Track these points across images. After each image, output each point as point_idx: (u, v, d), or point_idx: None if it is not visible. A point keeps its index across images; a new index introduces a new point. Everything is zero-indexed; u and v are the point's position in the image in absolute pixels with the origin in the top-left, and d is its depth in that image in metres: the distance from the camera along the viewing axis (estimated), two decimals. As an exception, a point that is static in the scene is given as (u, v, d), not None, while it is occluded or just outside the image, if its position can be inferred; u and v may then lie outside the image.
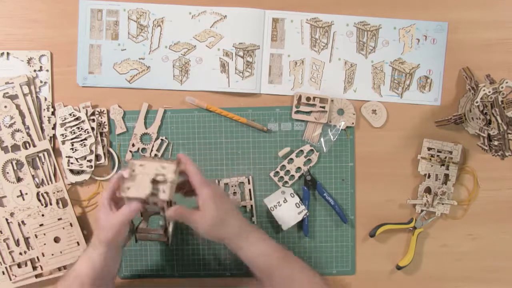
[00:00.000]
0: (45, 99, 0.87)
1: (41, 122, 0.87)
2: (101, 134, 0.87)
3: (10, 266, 0.86)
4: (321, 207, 0.89)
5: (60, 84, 0.88)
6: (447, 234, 0.90)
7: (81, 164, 0.85)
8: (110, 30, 0.87)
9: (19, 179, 0.86)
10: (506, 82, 0.77)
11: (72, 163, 0.85)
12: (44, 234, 0.86)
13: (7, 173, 0.86)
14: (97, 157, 0.86)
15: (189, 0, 0.87)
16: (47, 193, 0.86)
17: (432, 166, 0.87)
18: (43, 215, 0.86)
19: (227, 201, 0.75)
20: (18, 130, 0.85)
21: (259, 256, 0.74)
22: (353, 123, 0.88)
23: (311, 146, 0.88)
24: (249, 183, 0.87)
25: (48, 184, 0.86)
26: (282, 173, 0.88)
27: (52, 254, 0.86)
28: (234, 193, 0.87)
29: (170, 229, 0.79)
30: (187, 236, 0.89)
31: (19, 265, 0.86)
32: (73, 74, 0.87)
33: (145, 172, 0.68)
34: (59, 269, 0.87)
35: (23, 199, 0.86)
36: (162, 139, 0.87)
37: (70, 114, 0.85)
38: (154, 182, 0.67)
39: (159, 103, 0.88)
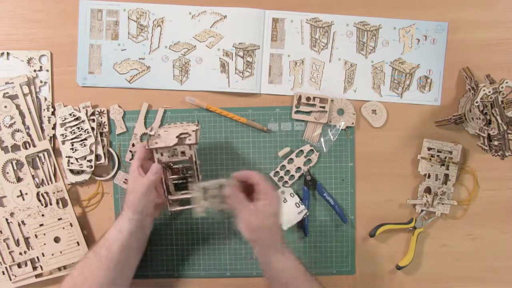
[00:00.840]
0: (45, 99, 0.87)
1: (41, 122, 0.87)
2: (101, 134, 0.87)
3: (10, 266, 0.86)
4: (321, 207, 0.89)
5: (60, 84, 0.88)
6: (447, 234, 0.90)
7: (81, 164, 0.85)
8: (110, 30, 0.87)
9: (19, 179, 0.86)
10: (506, 82, 0.77)
11: (72, 163, 0.85)
12: (44, 234, 0.86)
13: (7, 173, 0.86)
14: (97, 157, 0.86)
15: (189, 0, 0.87)
16: (47, 193, 0.86)
17: (432, 166, 0.87)
18: (43, 215, 0.86)
19: (279, 209, 0.78)
20: (18, 130, 0.85)
21: (288, 272, 0.75)
22: (353, 123, 0.88)
23: (311, 146, 0.88)
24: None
25: (48, 184, 0.86)
26: (282, 173, 0.88)
27: (52, 254, 0.86)
28: (214, 196, 0.77)
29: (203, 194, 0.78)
30: (187, 236, 0.89)
31: (19, 265, 0.86)
32: (73, 74, 0.87)
33: (170, 133, 0.76)
34: (59, 269, 0.87)
35: (23, 199, 0.86)
36: (162, 139, 0.87)
37: (70, 114, 0.85)
38: (179, 138, 0.74)
39: (159, 103, 0.88)
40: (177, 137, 0.74)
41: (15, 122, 0.85)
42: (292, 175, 0.88)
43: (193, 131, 0.75)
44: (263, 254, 0.76)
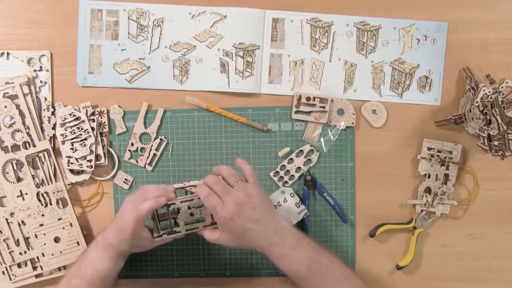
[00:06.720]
0: (45, 99, 0.87)
1: (41, 122, 0.87)
2: (101, 134, 0.87)
3: (10, 266, 0.86)
4: (321, 207, 0.89)
5: (60, 84, 0.88)
6: (447, 234, 0.89)
7: (81, 164, 0.85)
8: (110, 30, 0.87)
9: (19, 179, 0.86)
10: (506, 82, 0.77)
11: (72, 163, 0.85)
12: (44, 234, 0.86)
13: (7, 173, 0.86)
14: (97, 157, 0.86)
15: (189, 0, 0.87)
16: (47, 193, 0.86)
17: (432, 166, 0.87)
18: (43, 215, 0.86)
19: (245, 211, 0.72)
20: (18, 130, 0.85)
21: (293, 263, 0.72)
22: (353, 123, 0.88)
23: (311, 146, 0.88)
24: None
25: (48, 184, 0.86)
26: (282, 173, 0.88)
27: (52, 254, 0.86)
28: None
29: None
30: (187, 236, 0.89)
31: (19, 265, 0.86)
32: (73, 74, 0.87)
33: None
34: (59, 269, 0.87)
35: (23, 199, 0.86)
36: (161, 138, 0.87)
37: (70, 114, 0.85)
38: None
39: (159, 103, 0.88)
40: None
41: (15, 122, 0.85)
42: (292, 175, 0.88)
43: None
44: (273, 259, 0.73)
